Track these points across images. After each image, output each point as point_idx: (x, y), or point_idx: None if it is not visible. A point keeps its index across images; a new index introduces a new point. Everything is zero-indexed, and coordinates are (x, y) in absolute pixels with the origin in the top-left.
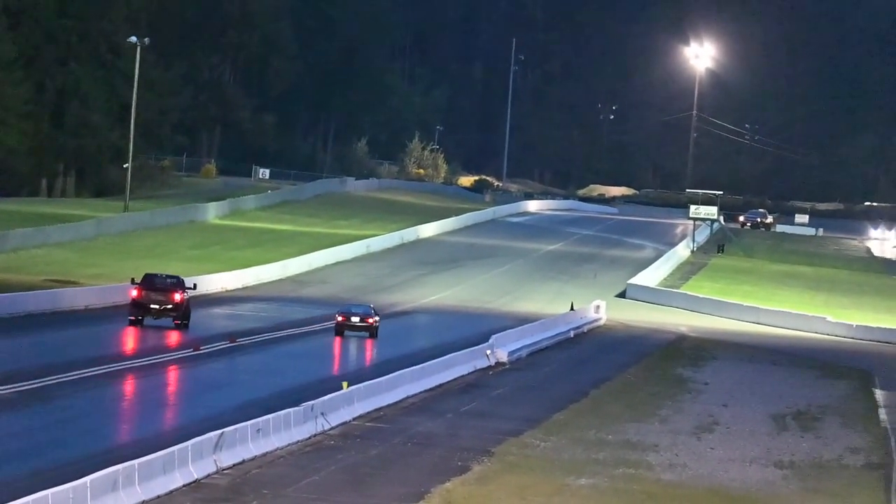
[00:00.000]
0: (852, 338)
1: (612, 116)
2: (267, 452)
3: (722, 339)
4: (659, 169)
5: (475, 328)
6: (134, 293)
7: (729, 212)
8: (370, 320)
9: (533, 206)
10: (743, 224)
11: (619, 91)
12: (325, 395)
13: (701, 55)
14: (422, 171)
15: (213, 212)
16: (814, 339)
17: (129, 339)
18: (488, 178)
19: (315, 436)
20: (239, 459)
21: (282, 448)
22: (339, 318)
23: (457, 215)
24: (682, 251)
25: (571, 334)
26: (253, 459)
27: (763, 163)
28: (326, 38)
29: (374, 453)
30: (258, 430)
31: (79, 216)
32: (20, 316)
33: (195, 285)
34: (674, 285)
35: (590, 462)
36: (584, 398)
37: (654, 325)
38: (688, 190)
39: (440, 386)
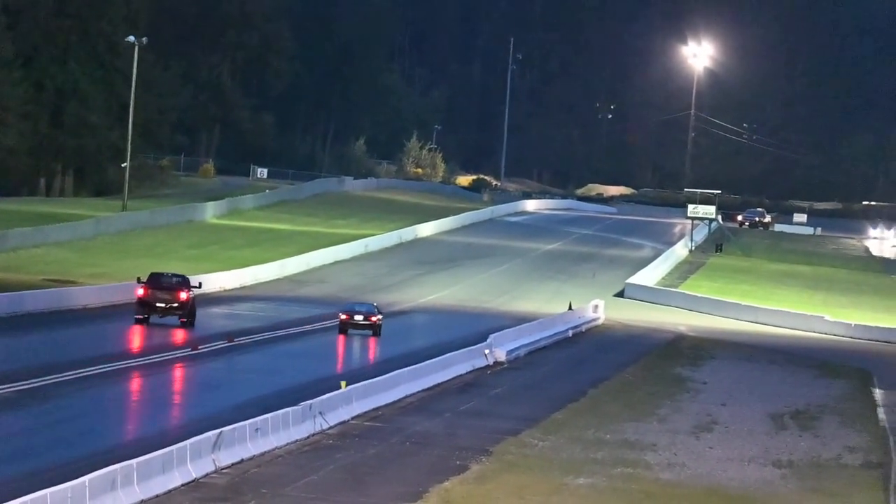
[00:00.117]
0: (851, 337)
1: (609, 116)
2: (265, 452)
3: (720, 338)
4: (658, 168)
5: (473, 327)
6: (140, 292)
7: (727, 211)
8: (374, 318)
9: (531, 205)
10: (741, 223)
11: (617, 90)
12: (324, 394)
13: (699, 54)
14: (420, 170)
15: (211, 211)
16: (812, 338)
17: (128, 339)
18: (486, 178)
19: (313, 435)
20: (237, 459)
21: (280, 447)
22: (343, 317)
23: (455, 215)
24: (681, 250)
25: (570, 334)
26: (251, 459)
27: (761, 162)
28: (325, 37)
29: (373, 452)
30: (256, 429)
31: (77, 216)
32: (19, 315)
33: (200, 284)
34: (672, 285)
35: (588, 461)
36: (583, 397)
37: (653, 325)
38: (686, 189)
39: (438, 385)
